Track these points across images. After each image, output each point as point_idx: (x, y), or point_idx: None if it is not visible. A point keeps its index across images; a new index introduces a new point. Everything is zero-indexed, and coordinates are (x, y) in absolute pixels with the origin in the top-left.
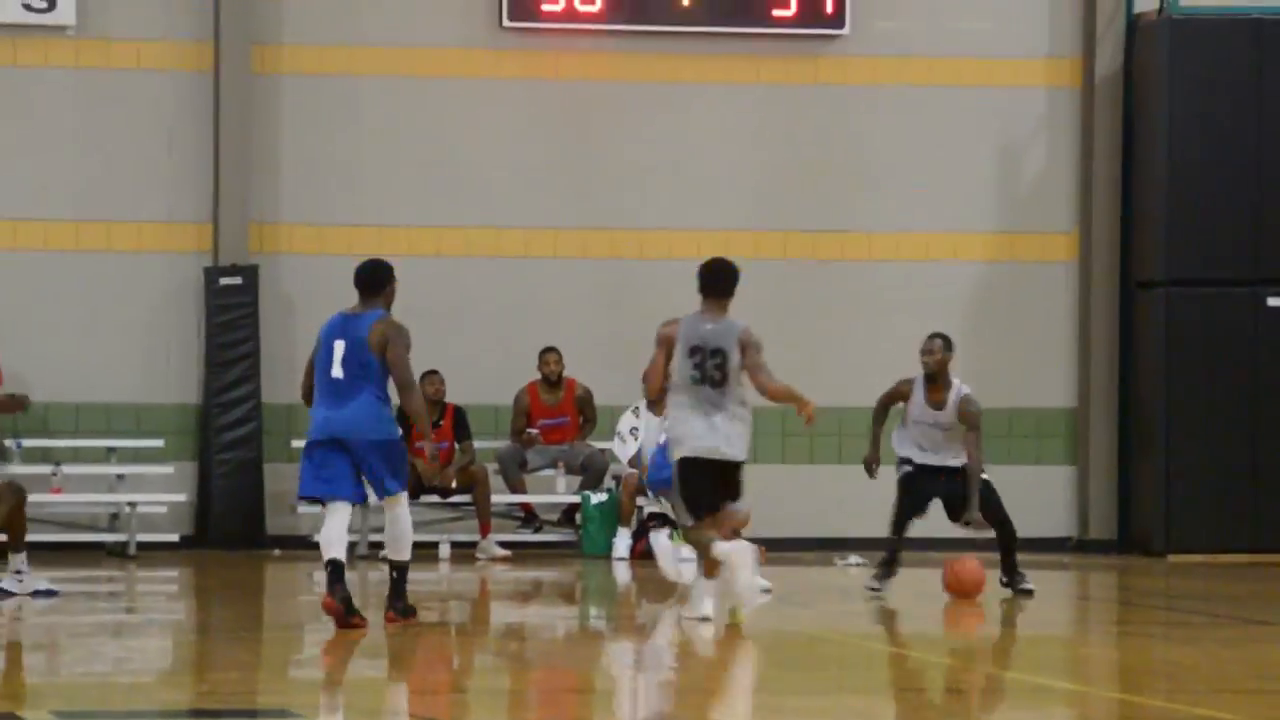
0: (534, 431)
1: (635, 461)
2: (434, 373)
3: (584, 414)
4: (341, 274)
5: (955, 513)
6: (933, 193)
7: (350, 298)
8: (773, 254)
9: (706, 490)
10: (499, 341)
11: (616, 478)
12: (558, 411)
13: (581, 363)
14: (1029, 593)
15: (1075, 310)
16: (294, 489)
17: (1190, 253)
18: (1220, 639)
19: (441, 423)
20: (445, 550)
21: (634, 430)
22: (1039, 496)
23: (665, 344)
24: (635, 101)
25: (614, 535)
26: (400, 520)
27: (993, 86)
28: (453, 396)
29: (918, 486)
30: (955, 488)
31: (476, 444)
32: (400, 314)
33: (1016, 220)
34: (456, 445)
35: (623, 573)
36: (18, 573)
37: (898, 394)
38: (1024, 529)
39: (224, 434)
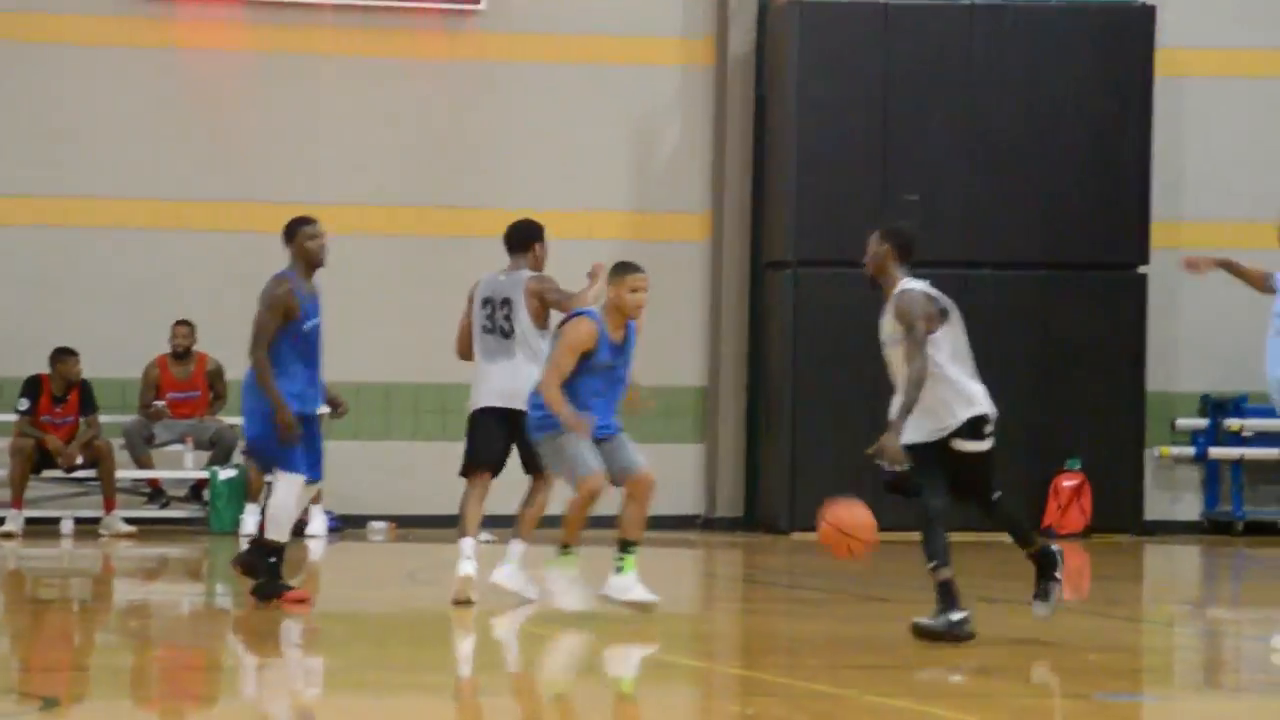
0: (161, 404)
1: None
2: (69, 351)
3: (214, 389)
4: None
5: None
6: (568, 171)
7: None
8: (408, 230)
9: (497, 440)
10: (128, 315)
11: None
12: (188, 385)
13: (214, 337)
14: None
15: (707, 290)
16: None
17: (819, 234)
18: (839, 615)
19: (68, 397)
20: (68, 526)
21: None
22: (669, 475)
23: (468, 301)
24: (268, 73)
25: (242, 511)
26: None
27: (627, 65)
28: (82, 370)
29: None
30: None
31: (104, 419)
32: (27, 286)
33: (650, 200)
34: (82, 419)
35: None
36: None
37: None
38: (654, 507)
39: None
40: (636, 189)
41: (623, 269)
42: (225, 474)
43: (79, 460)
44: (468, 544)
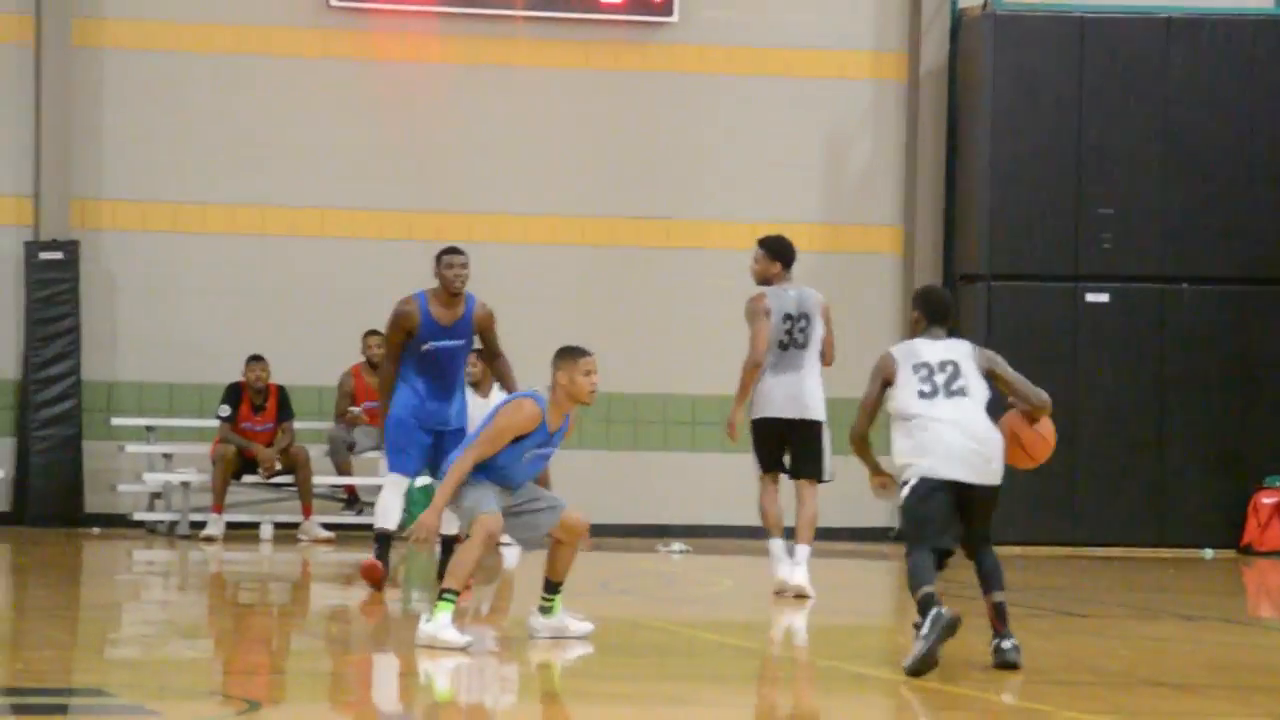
0: (357, 410)
1: None
2: (258, 358)
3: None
4: (164, 251)
5: None
6: (759, 182)
7: (172, 273)
8: (600, 240)
9: (780, 447)
10: (325, 323)
11: None
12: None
13: None
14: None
15: (899, 302)
16: (113, 467)
17: (1012, 248)
18: (1036, 629)
19: (267, 405)
20: (268, 531)
21: None
22: (860, 487)
23: (763, 316)
24: (464, 85)
25: None
26: None
27: (819, 78)
28: (277, 377)
29: None
30: None
31: (301, 426)
32: (223, 294)
33: (842, 212)
34: (279, 426)
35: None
36: None
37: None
38: (849, 519)
39: (43, 410)
40: (828, 201)
41: (574, 353)
42: (421, 481)
43: (278, 466)
44: (777, 545)
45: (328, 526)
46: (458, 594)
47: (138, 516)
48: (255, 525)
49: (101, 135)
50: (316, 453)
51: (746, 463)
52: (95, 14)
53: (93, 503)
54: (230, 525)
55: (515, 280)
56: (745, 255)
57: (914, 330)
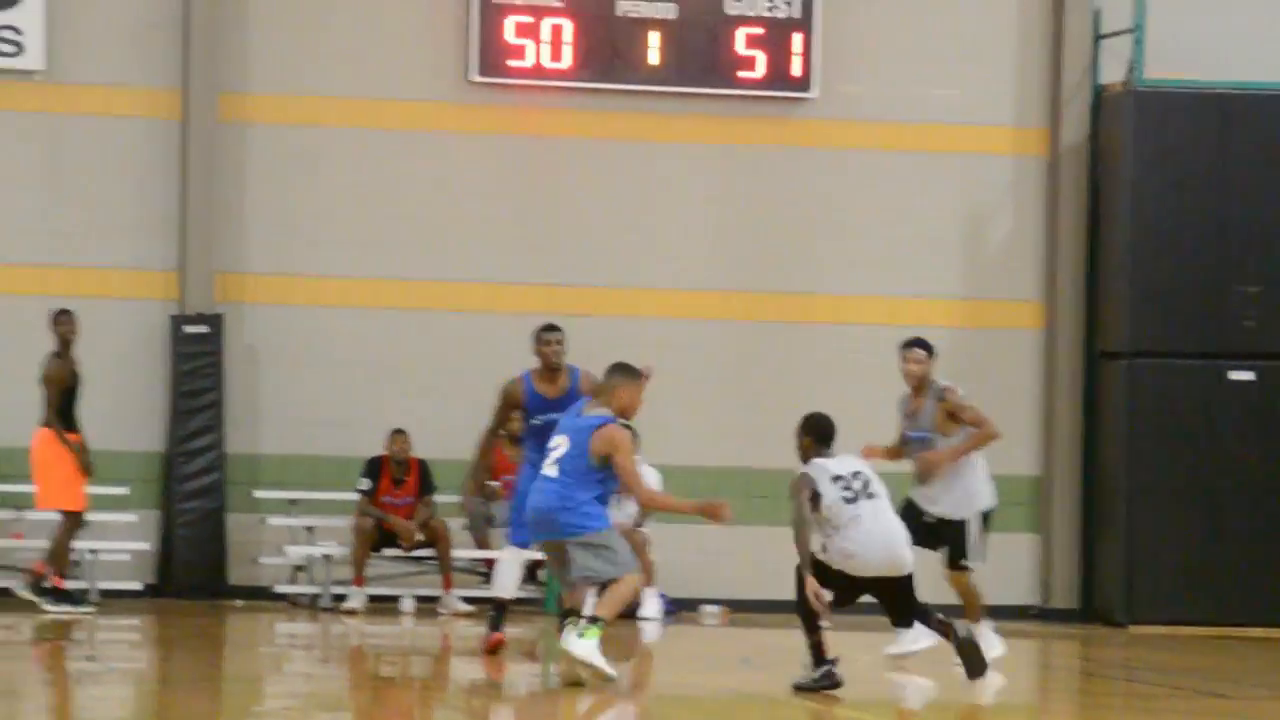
0: (496, 485)
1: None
2: (400, 431)
3: None
4: (305, 324)
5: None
6: (899, 257)
7: (315, 347)
8: (737, 315)
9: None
10: (465, 396)
11: None
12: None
13: None
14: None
15: (1040, 378)
16: (256, 539)
17: (1154, 324)
18: (1180, 711)
19: (407, 478)
20: (408, 604)
21: None
22: (1002, 564)
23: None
24: (602, 159)
25: None
26: None
27: (959, 153)
28: (418, 451)
29: None
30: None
31: (443, 499)
32: (364, 368)
33: (982, 287)
34: (419, 500)
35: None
36: None
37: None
38: (987, 596)
39: (187, 483)
40: (968, 276)
41: (636, 373)
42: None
43: (419, 539)
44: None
45: (468, 600)
46: (607, 624)
47: (280, 589)
48: (396, 598)
49: (245, 209)
50: (456, 526)
51: None
52: (241, 89)
53: (236, 575)
54: (371, 598)
55: (651, 355)
56: (885, 331)
57: (806, 454)
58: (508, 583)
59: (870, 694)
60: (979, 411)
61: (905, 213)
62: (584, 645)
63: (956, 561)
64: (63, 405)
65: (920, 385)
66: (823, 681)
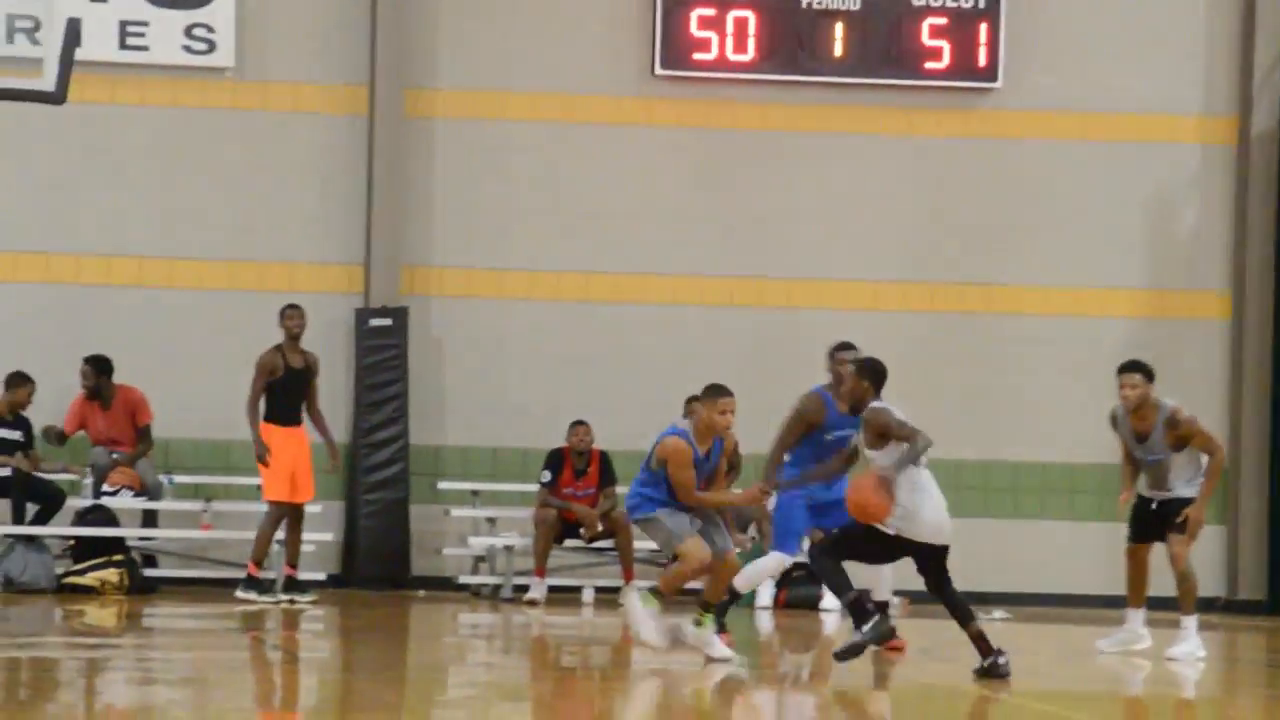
0: None
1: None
2: (581, 423)
3: (731, 463)
4: (490, 317)
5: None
6: (1084, 247)
7: (498, 339)
8: (920, 306)
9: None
10: (647, 388)
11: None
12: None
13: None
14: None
15: (1226, 369)
16: (439, 530)
17: None
18: None
19: (589, 469)
20: (589, 595)
21: None
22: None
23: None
24: (785, 151)
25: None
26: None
27: (1145, 142)
28: (600, 442)
29: None
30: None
31: (625, 490)
32: (546, 360)
33: (1168, 277)
34: (601, 491)
35: (765, 621)
36: None
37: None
38: (1172, 588)
39: (372, 474)
40: (1153, 266)
41: (715, 392)
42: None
43: (600, 530)
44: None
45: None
46: (664, 596)
47: (462, 579)
48: (577, 589)
49: (431, 203)
50: None
51: (1066, 530)
52: (428, 85)
53: (419, 565)
54: (552, 589)
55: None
56: (1069, 321)
57: (862, 399)
58: (752, 579)
59: (1054, 684)
60: (1208, 435)
61: (1090, 202)
62: (700, 634)
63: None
64: (272, 398)
65: (1141, 407)
66: (871, 635)
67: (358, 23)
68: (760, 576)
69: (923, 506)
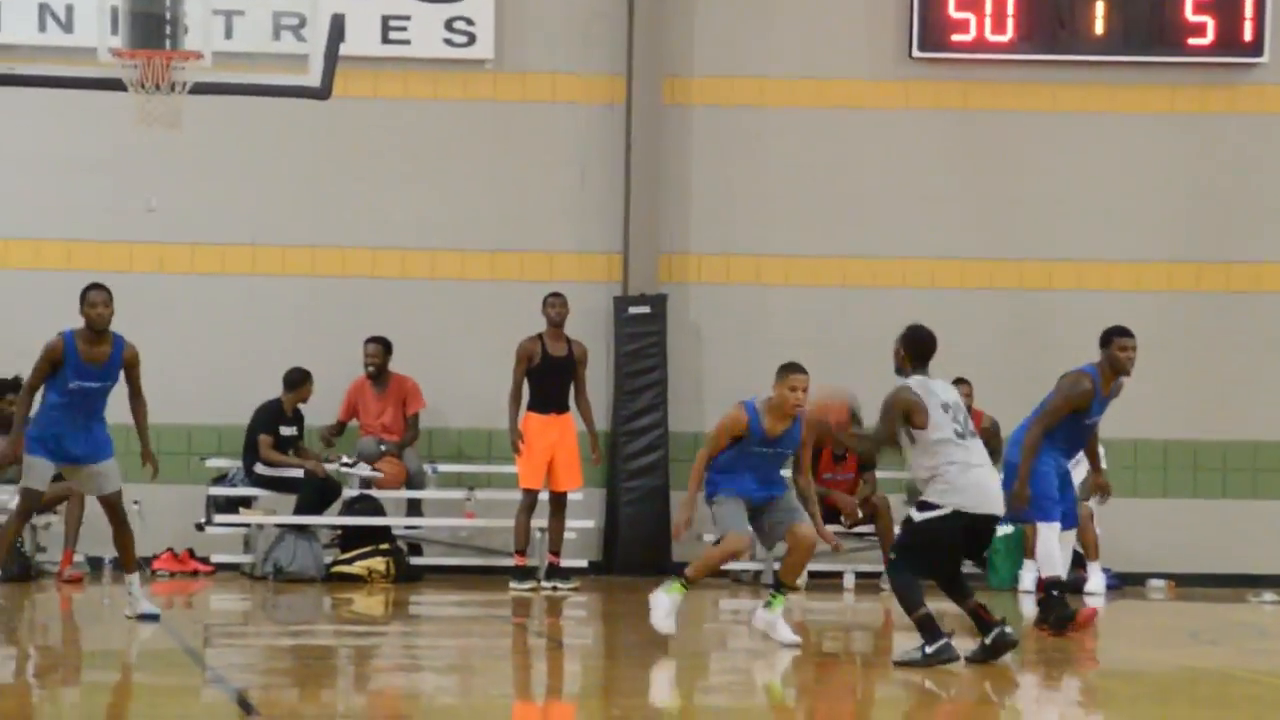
0: None
1: None
2: None
3: (990, 445)
4: (748, 303)
5: None
6: None
7: (756, 325)
8: (1186, 285)
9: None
10: None
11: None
12: None
13: (989, 393)
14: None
15: None
16: (698, 516)
17: None
18: None
19: (847, 454)
20: (850, 580)
21: None
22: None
23: None
24: (1046, 131)
25: (1019, 568)
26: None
27: None
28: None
29: None
30: None
31: (883, 474)
32: (805, 345)
33: None
34: (860, 475)
35: (1028, 606)
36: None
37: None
38: (1264, 565)
39: (632, 461)
40: None
41: (787, 369)
42: (1003, 530)
43: (860, 515)
44: None
45: None
46: (692, 582)
47: (723, 566)
48: (838, 574)
49: (689, 191)
50: (897, 501)
51: None
52: (685, 73)
53: (679, 552)
54: (813, 574)
55: (1096, 326)
56: None
57: (901, 369)
58: (1057, 559)
59: None
60: None
61: None
62: (767, 618)
63: None
64: (532, 385)
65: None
66: (940, 655)
67: (615, 12)
68: (1052, 553)
69: (966, 476)
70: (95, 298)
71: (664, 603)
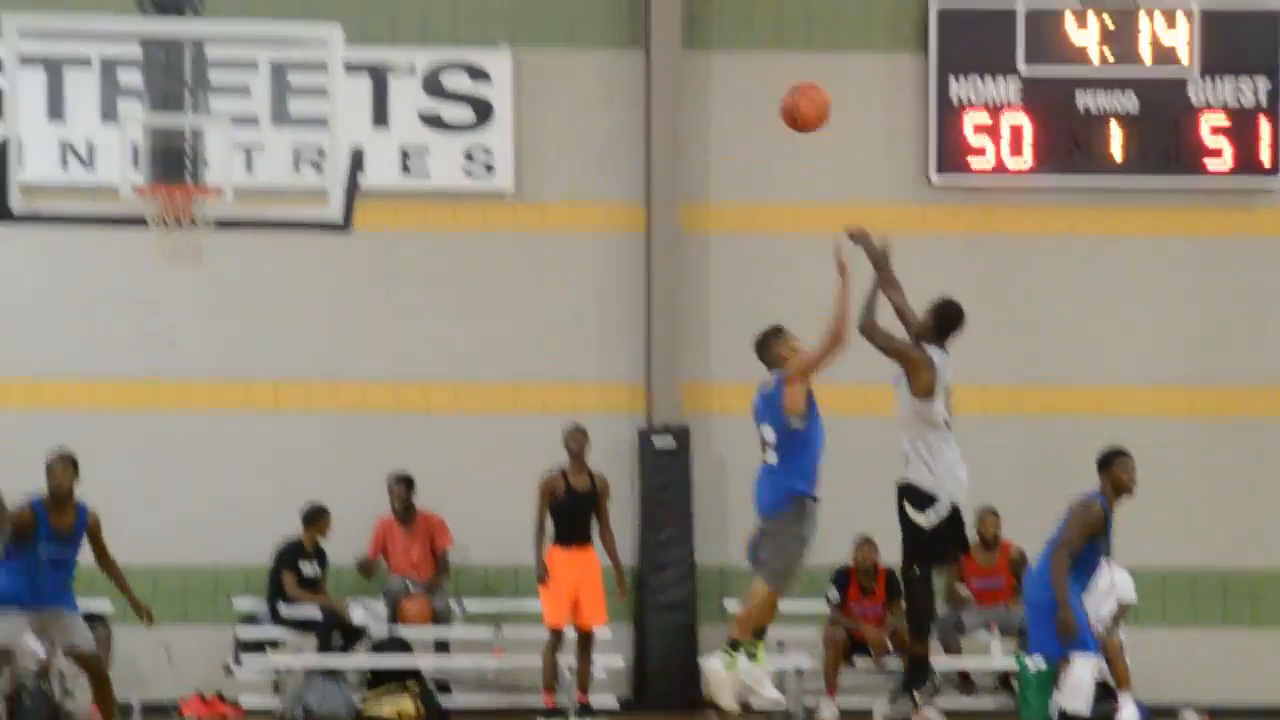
0: (965, 591)
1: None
2: (867, 540)
3: (1018, 576)
4: None
5: None
6: None
7: None
8: (1206, 411)
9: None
10: None
11: None
12: (992, 572)
13: (1016, 522)
14: None
15: None
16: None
17: None
18: None
19: (875, 587)
20: (879, 716)
21: None
22: None
23: None
24: (1066, 254)
25: (1052, 700)
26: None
27: None
28: (885, 559)
29: None
30: None
31: None
32: (830, 475)
33: None
34: (888, 608)
35: None
36: None
37: None
38: None
39: (659, 595)
40: None
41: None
42: (1034, 665)
43: (889, 649)
44: None
45: (943, 711)
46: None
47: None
48: (868, 711)
49: (709, 319)
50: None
51: None
52: (701, 200)
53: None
54: (843, 710)
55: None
56: None
57: (922, 335)
58: (1085, 693)
59: None
60: None
61: None
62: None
63: None
64: (555, 519)
65: None
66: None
67: (633, 141)
68: (1084, 687)
69: (957, 469)
70: (57, 467)
71: (761, 675)
